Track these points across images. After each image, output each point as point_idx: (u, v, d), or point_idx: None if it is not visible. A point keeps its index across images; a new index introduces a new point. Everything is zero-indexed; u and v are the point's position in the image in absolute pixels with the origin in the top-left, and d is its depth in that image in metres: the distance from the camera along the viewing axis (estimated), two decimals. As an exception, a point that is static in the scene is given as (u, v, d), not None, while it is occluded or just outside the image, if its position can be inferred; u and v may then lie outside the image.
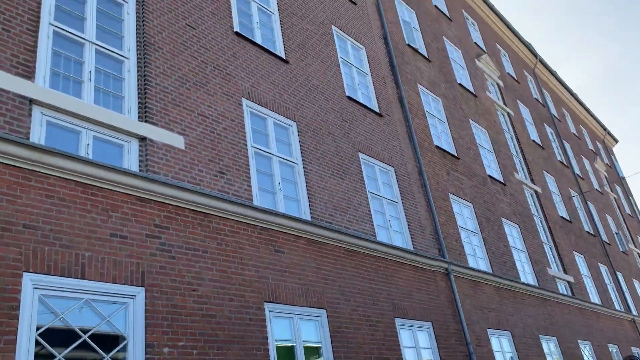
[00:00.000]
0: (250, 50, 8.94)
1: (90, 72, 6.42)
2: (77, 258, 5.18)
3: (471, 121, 16.27)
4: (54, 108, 5.75)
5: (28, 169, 5.17)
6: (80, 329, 5.03)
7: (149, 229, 5.94)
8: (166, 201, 6.24)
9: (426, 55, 15.49)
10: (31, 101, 5.59)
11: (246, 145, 7.89)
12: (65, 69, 6.21)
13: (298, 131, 9.09)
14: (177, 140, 6.83)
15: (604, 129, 34.47)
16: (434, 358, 9.41)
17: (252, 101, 8.43)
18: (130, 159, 6.34)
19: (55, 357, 4.77)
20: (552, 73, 27.69)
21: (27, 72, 5.68)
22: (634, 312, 22.00)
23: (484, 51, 20.55)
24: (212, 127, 7.47)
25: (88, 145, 5.99)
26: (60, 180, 5.37)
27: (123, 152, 6.34)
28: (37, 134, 5.58)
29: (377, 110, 11.74)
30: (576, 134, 28.45)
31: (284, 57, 9.68)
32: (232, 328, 6.26)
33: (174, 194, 6.27)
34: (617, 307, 20.46)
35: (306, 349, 7.17)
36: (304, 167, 8.80)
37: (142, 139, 6.50)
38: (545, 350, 13.35)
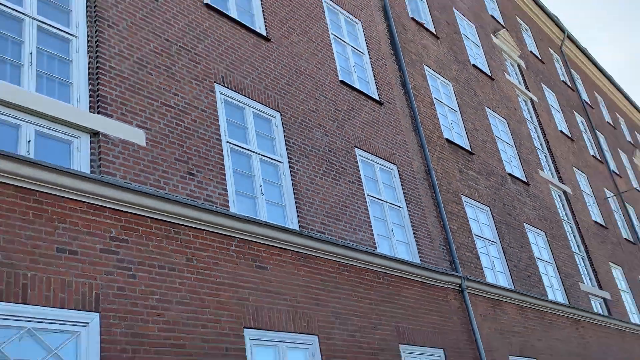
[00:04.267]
0: (224, 26, 8.92)
1: (31, 53, 6.37)
2: (17, 278, 5.13)
3: (487, 109, 16.37)
4: (-13, 97, 5.70)
5: (-44, 172, 5.11)
6: (21, 364, 4.98)
7: (104, 243, 5.91)
8: (124, 209, 6.20)
9: (434, 32, 15.56)
10: (-41, 89, 5.53)
11: (220, 140, 7.87)
12: (1, 50, 6.15)
13: (282, 123, 9.09)
14: (136, 136, 6.80)
15: (644, 117, 34.83)
16: (447, 392, 9.45)
17: (227, 87, 8.42)
18: (80, 158, 6.30)
19: (-9, 398, 4.73)
20: (583, 51, 27.94)
21: (-46, 54, 5.62)
22: (682, 334, 22.25)
23: (503, 26, 20.68)
24: (178, 118, 7.44)
25: (29, 141, 5.94)
26: (-5, 184, 5.32)
27: (72, 150, 6.29)
28: (-33, 129, 5.52)
29: (377, 98, 11.77)
30: (611, 123, 28.72)
31: (264, 34, 9.68)
32: (205, 359, 6.24)
33: (133, 200, 6.24)
34: (662, 328, 20.68)
35: (294, 383, 7.17)
36: (290, 166, 8.80)
37: (95, 134, 6.46)
38: (578, 380, 13.46)
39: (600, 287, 17.43)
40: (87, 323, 5.49)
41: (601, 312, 16.54)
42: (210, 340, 6.41)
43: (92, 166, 6.33)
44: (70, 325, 5.38)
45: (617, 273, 19.39)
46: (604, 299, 17.31)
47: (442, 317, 10.16)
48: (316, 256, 8.29)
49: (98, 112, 6.61)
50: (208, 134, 7.75)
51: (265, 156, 8.54)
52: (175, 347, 6.04)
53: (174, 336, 6.08)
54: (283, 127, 9.07)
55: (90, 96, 6.70)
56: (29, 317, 5.12)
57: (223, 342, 6.52)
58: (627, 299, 19.06)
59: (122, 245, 6.05)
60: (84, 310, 5.49)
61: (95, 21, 7.09)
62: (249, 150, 8.34)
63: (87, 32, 7.04)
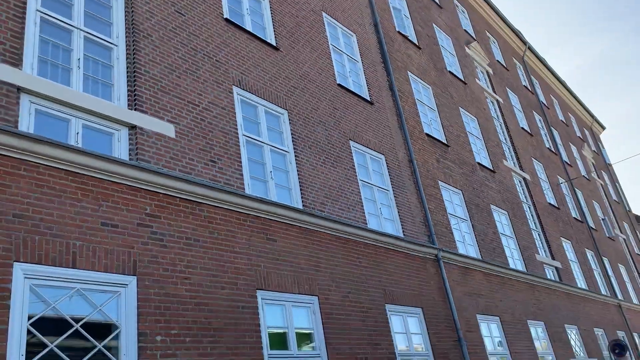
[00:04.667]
0: (241, 37, 8.86)
1: (78, 59, 6.33)
2: (68, 247, 5.14)
3: (461, 109, 16.30)
4: (42, 96, 5.67)
5: (17, 158, 5.10)
6: (72, 318, 5.01)
7: (140, 218, 5.91)
8: (157, 190, 6.20)
9: (417, 43, 15.45)
10: (19, 89, 5.50)
11: (237, 133, 7.84)
12: (54, 56, 6.11)
13: (289, 119, 9.05)
14: (167, 129, 6.77)
15: (592, 116, 34.71)
16: (424, 343, 9.51)
17: (243, 89, 8.37)
18: (121, 148, 6.28)
19: (47, 346, 4.76)
20: (541, 60, 27.76)
21: (15, 59, 5.58)
22: (620, 297, 22.34)
23: (474, 39, 20.53)
24: (202, 115, 7.41)
25: (78, 133, 5.92)
26: (50, 169, 5.31)
27: (113, 141, 6.27)
28: (26, 123, 5.50)
29: (368, 98, 11.72)
30: (564, 121, 28.62)
31: (274, 44, 9.61)
32: (224, 316, 6.27)
33: (165, 182, 6.23)
34: (603, 292, 20.76)
35: (298, 335, 7.21)
36: (295, 156, 8.78)
37: (132, 127, 6.44)
38: (533, 335, 13.53)
39: (553, 258, 17.47)
40: (126, 284, 5.51)
41: (553, 279, 16.59)
42: (229, 299, 6.43)
43: (130, 154, 6.32)
44: (112, 286, 5.40)
45: (567, 246, 19.43)
46: (556, 268, 17.36)
47: (421, 281, 10.19)
48: (317, 230, 8.30)
49: (135, 109, 6.58)
50: (227, 128, 7.72)
51: (274, 147, 8.52)
52: (199, 305, 6.07)
53: (198, 296, 6.11)
54: (290, 123, 9.03)
55: (128, 95, 6.67)
56: (78, 280, 5.14)
57: (239, 302, 6.54)
58: (574, 267, 19.12)
59: (155, 220, 6.06)
60: (123, 274, 5.50)
61: (132, 32, 7.03)
62: (261, 142, 8.31)
63: (126, 41, 6.98)
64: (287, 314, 7.18)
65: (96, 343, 5.09)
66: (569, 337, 15.50)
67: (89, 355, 5.00)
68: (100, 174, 5.69)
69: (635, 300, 24.70)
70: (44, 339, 4.76)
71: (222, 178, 7.21)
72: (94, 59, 6.54)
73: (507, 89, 21.64)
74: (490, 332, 11.79)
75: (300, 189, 8.51)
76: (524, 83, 24.62)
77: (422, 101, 14.17)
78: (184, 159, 6.81)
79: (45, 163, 5.27)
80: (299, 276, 7.55)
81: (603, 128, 36.91)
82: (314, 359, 7.25)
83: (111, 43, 6.81)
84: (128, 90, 6.69)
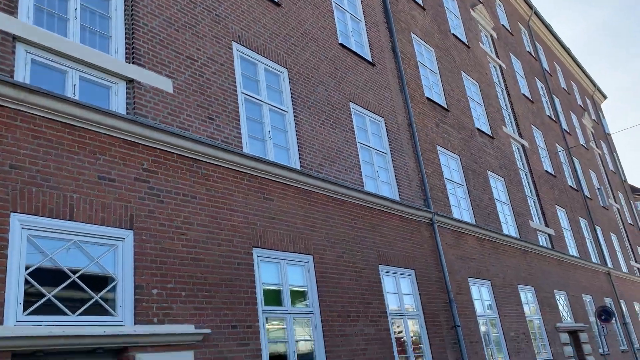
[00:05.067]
0: (242, -8, 8.64)
1: (75, 9, 6.18)
2: (65, 200, 5.15)
3: (463, 73, 16.11)
4: (38, 46, 5.57)
5: (13, 109, 5.05)
6: (69, 270, 5.07)
7: (138, 173, 5.91)
8: (155, 145, 6.17)
9: (421, 3, 15.13)
10: (15, 38, 5.39)
11: (236, 91, 7.76)
12: (50, 5, 5.97)
13: (289, 78, 8.94)
14: (165, 84, 6.69)
15: (594, 84, 34.40)
16: (415, 304, 9.69)
17: (243, 45, 8.23)
18: (118, 101, 6.21)
19: (44, 296, 4.83)
20: (547, 26, 27.28)
21: (10, 7, 5.45)
22: (610, 265, 22.70)
23: (479, 1, 20.11)
24: (201, 70, 7.31)
25: (74, 85, 5.84)
26: (46, 120, 5.26)
27: (110, 94, 6.20)
28: (22, 73, 5.42)
29: (370, 59, 11.55)
30: (566, 89, 28.37)
31: None
32: (220, 272, 6.35)
33: (162, 138, 6.20)
34: (594, 260, 21.07)
35: (292, 292, 7.33)
36: (294, 116, 8.72)
37: (130, 81, 6.36)
38: (523, 299, 13.80)
39: (547, 225, 17.64)
40: (123, 238, 5.56)
41: (546, 245, 16.80)
42: (225, 256, 6.50)
43: (127, 108, 6.26)
44: (109, 239, 5.44)
45: (561, 214, 19.59)
46: (549, 235, 17.55)
47: (414, 244, 10.30)
48: (313, 191, 8.32)
49: (133, 62, 6.48)
50: (225, 85, 7.63)
51: (273, 106, 8.44)
52: (195, 261, 6.14)
53: (194, 252, 6.17)
54: (289, 82, 8.93)
55: (126, 48, 6.55)
56: (75, 232, 5.17)
57: (235, 258, 6.62)
58: (567, 235, 19.34)
59: (152, 175, 6.06)
60: (120, 228, 5.54)
61: (130, -17, 6.85)
62: (260, 100, 8.23)
63: (124, -8, 6.81)
64: (282, 271, 7.28)
65: (93, 294, 5.16)
66: (558, 302, 15.82)
67: (86, 305, 5.08)
68: (98, 128, 5.65)
69: (624, 269, 25.11)
70: (42, 289, 4.83)
71: (220, 136, 7.17)
72: (92, 9, 6.40)
73: (511, 54, 21.35)
74: (481, 295, 12.01)
75: (299, 150, 8.48)
76: (527, 49, 24.27)
77: (424, 64, 13.99)
78: (181, 115, 6.76)
79: (42, 115, 5.22)
80: (294, 235, 7.62)
81: (605, 97, 36.64)
82: (307, 315, 7.40)
83: (109, -7, 6.64)
84: (126, 43, 6.57)
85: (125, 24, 6.66)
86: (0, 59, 5.17)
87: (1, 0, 5.39)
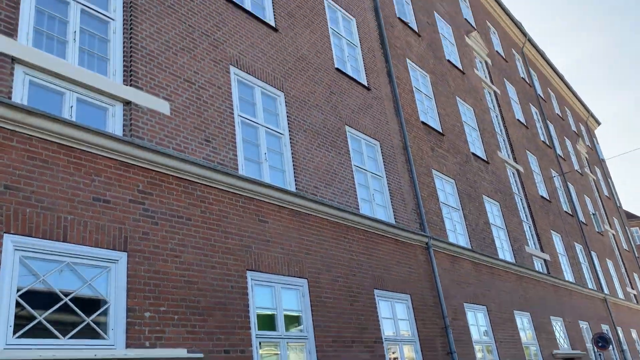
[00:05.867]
0: (239, 17, 8.77)
1: (74, 32, 6.25)
2: (59, 221, 5.13)
3: (458, 98, 16.28)
4: (37, 68, 5.61)
5: (10, 129, 5.06)
6: (61, 292, 5.02)
7: (133, 195, 5.90)
8: (150, 167, 6.18)
9: (416, 30, 15.36)
10: (13, 59, 5.44)
11: (233, 113, 7.81)
12: (49, 28, 6.04)
13: (286, 102, 9.01)
14: (162, 106, 6.73)
15: (588, 111, 34.79)
16: (411, 329, 9.61)
17: (240, 69, 8.32)
18: (115, 123, 6.24)
19: (36, 318, 4.77)
20: (540, 53, 27.71)
21: (9, 29, 5.51)
22: (606, 291, 22.62)
23: (474, 28, 20.44)
24: (198, 93, 7.37)
25: (72, 107, 5.87)
26: (42, 141, 5.27)
27: (107, 116, 6.23)
28: (20, 94, 5.45)
29: (366, 84, 11.67)
30: (560, 115, 28.67)
31: (273, 25, 9.53)
32: (214, 295, 6.30)
33: (158, 160, 6.21)
34: (590, 286, 21.00)
35: (287, 317, 7.27)
36: (290, 139, 8.76)
37: (127, 103, 6.39)
38: (519, 325, 13.71)
39: (542, 250, 17.63)
40: (117, 260, 5.52)
41: (541, 270, 16.76)
42: (219, 279, 6.46)
43: (124, 130, 6.28)
44: (102, 261, 5.40)
45: (557, 239, 19.60)
46: (545, 260, 17.53)
47: (410, 268, 10.26)
48: (309, 214, 8.32)
49: (130, 85, 6.53)
50: (222, 108, 7.68)
51: (270, 129, 8.49)
52: (189, 284, 6.09)
53: (188, 274, 6.13)
54: (286, 105, 9.00)
55: (124, 71, 6.61)
56: (68, 253, 5.14)
57: (229, 282, 6.57)
58: (563, 260, 19.31)
59: (147, 197, 6.05)
60: (114, 250, 5.51)
61: (130, 7, 6.95)
62: (256, 123, 8.28)
63: (124, 16, 6.90)
64: (276, 295, 7.23)
65: (85, 317, 5.11)
66: (554, 328, 15.71)
67: (77, 328, 5.02)
68: (94, 149, 5.66)
69: (620, 295, 25.03)
70: (33, 312, 4.77)
71: (216, 158, 7.19)
72: (91, 32, 6.47)
73: (505, 80, 21.62)
74: (477, 320, 11.93)
75: (294, 172, 8.51)
76: (522, 75, 24.59)
77: (419, 89, 14.14)
78: (178, 137, 6.79)
79: (38, 135, 5.24)
80: (289, 258, 7.59)
81: (598, 123, 37.01)
82: (302, 340, 7.32)
83: (108, 17, 6.73)
84: (124, 66, 6.63)
85: (124, 47, 6.73)
86: (-2, 80, 5.20)
87: (1, 22, 5.45)
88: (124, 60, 6.65)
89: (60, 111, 5.78)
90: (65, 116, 5.77)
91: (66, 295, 5.04)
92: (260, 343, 6.71)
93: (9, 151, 5.01)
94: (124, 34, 6.81)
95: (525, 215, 17.94)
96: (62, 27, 6.18)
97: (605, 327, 20.32)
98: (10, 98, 5.26)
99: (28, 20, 5.80)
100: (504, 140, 19.03)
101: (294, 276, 7.57)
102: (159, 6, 7.36)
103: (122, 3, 6.96)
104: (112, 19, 6.77)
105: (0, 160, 4.92)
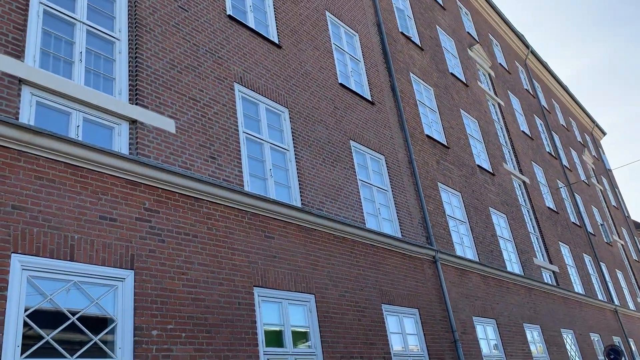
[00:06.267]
0: (243, 34, 8.86)
1: (80, 52, 6.33)
2: (66, 240, 5.15)
3: (462, 111, 16.31)
4: (43, 88, 5.68)
5: (17, 150, 5.11)
6: (68, 311, 5.02)
7: (139, 212, 5.92)
8: (156, 185, 6.21)
9: (419, 44, 15.45)
10: (20, 81, 5.51)
11: (237, 130, 7.85)
12: (56, 49, 6.12)
13: (290, 118, 9.06)
14: (168, 124, 6.78)
15: (593, 121, 34.72)
16: (420, 344, 9.52)
17: (244, 86, 8.38)
18: (121, 142, 6.29)
19: (43, 338, 4.77)
20: (544, 64, 27.77)
21: (17, 51, 5.59)
22: (616, 302, 22.37)
23: (477, 41, 20.54)
24: (203, 111, 7.42)
25: (78, 126, 5.93)
26: (49, 161, 5.32)
27: (113, 135, 6.28)
28: (27, 115, 5.51)
29: (369, 98, 11.72)
30: (565, 125, 28.63)
31: (277, 42, 9.61)
32: (221, 312, 6.28)
33: (164, 177, 6.24)
34: (600, 297, 20.78)
35: (294, 333, 7.22)
36: (295, 154, 8.79)
37: (133, 122, 6.45)
38: (529, 338, 13.55)
39: (551, 262, 17.49)
40: (124, 278, 5.52)
41: (550, 282, 16.61)
42: (226, 296, 6.44)
43: (130, 148, 6.32)
44: (109, 279, 5.41)
45: (565, 250, 19.45)
46: (553, 272, 17.38)
47: (418, 282, 10.20)
48: (315, 229, 8.31)
49: (136, 104, 6.59)
50: (227, 125, 7.72)
51: (274, 145, 8.53)
52: (196, 301, 6.08)
53: (195, 291, 6.12)
54: (290, 121, 9.04)
55: (129, 90, 6.67)
56: (75, 273, 5.15)
57: (236, 298, 6.55)
58: (572, 272, 19.14)
59: (154, 215, 6.07)
60: (121, 268, 5.51)
61: (135, 27, 7.04)
62: (261, 139, 8.32)
63: (129, 35, 6.99)
64: (283, 311, 7.19)
65: (92, 336, 5.10)
66: (565, 341, 15.52)
67: (85, 348, 5.01)
68: (100, 168, 5.70)
69: (631, 306, 24.74)
70: (41, 331, 4.77)
71: (222, 174, 7.22)
72: (96, 52, 6.55)
73: (509, 92, 21.66)
74: (486, 334, 11.81)
75: (300, 188, 8.52)
76: (525, 86, 24.63)
77: (423, 102, 14.18)
78: (183, 155, 6.82)
79: (45, 155, 5.28)
80: (296, 274, 7.56)
81: (604, 133, 36.92)
82: (309, 356, 7.26)
83: (114, 37, 6.82)
84: (129, 85, 6.70)
85: (129, 66, 6.81)
86: (6, 102, 5.27)
87: (9, 44, 5.54)
88: (129, 80, 6.72)
89: (67, 131, 5.83)
90: (72, 136, 5.82)
91: (73, 314, 5.04)
92: (268, 359, 6.67)
93: (17, 171, 5.05)
94: (129, 53, 6.89)
95: (533, 227, 17.83)
96: (68, 48, 6.26)
97: (617, 339, 20.05)
98: (17, 119, 5.31)
99: (35, 42, 5.88)
100: (509, 152, 19.00)
101: (301, 292, 7.54)
102: (164, 25, 7.45)
103: (127, 23, 7.05)
104: (118, 39, 6.86)
105: (8, 181, 4.96)
